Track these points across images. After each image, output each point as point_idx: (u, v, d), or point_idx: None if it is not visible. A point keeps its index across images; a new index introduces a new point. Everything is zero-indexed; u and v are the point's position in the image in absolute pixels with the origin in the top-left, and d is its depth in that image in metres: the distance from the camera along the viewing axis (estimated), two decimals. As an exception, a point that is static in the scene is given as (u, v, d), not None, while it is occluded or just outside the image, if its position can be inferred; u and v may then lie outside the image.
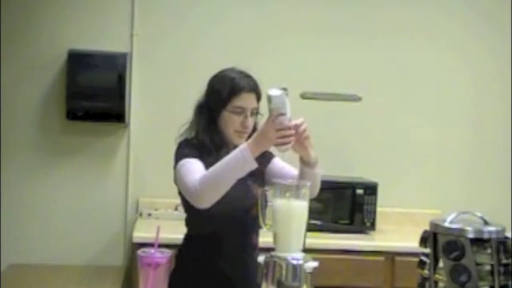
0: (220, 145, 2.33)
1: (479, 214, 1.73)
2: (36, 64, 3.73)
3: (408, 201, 3.95)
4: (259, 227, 2.38)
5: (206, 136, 2.33)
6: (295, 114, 3.92)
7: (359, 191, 3.60)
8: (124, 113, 3.66)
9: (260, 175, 2.43)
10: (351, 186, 3.63)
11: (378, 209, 3.63)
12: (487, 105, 4.03)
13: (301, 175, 2.30)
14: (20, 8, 3.71)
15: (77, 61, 3.63)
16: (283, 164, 2.50)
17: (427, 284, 1.72)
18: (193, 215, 2.35)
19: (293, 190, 1.98)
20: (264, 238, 2.19)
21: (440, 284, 1.69)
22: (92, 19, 3.77)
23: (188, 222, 2.44)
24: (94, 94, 3.63)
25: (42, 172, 3.75)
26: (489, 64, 4.01)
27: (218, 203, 2.19)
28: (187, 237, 2.44)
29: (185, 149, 2.33)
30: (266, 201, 2.15)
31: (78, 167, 3.77)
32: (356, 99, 3.94)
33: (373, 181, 3.69)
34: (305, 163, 2.28)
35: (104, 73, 3.65)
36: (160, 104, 3.78)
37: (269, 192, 2.11)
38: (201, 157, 2.29)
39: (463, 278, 1.62)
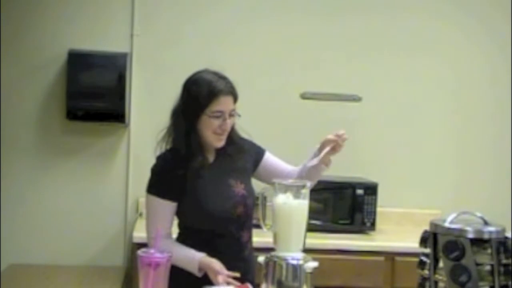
0: (195, 152, 2.36)
1: (479, 214, 1.73)
2: (36, 64, 3.73)
3: (408, 201, 3.94)
4: (251, 225, 2.45)
5: (182, 144, 2.36)
6: (295, 114, 3.94)
7: (359, 191, 3.59)
8: (124, 113, 3.66)
9: (243, 172, 2.48)
10: (351, 186, 3.63)
11: (378, 209, 3.63)
12: (487, 106, 4.02)
13: (313, 171, 2.40)
14: (20, 8, 3.71)
15: (77, 61, 3.62)
16: (276, 159, 2.58)
17: (427, 284, 1.72)
18: (183, 217, 2.41)
19: (293, 190, 1.99)
20: (264, 238, 2.18)
21: (440, 284, 1.69)
22: (92, 19, 3.76)
23: (179, 224, 2.47)
24: (94, 94, 3.63)
25: (42, 172, 3.75)
26: (488, 66, 4.01)
27: (203, 205, 2.32)
28: (179, 238, 2.47)
29: (158, 176, 2.38)
30: (266, 201, 2.15)
31: (78, 167, 3.77)
32: (356, 99, 3.94)
33: (373, 181, 3.68)
34: (326, 163, 2.43)
35: (104, 73, 3.65)
36: (160, 104, 3.75)
37: (269, 192, 2.11)
38: (174, 172, 2.34)
39: (463, 278, 1.62)
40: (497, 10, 3.98)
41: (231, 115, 2.37)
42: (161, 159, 2.42)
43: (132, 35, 3.78)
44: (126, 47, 3.76)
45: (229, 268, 2.27)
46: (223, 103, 2.33)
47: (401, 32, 3.96)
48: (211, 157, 2.44)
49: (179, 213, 2.40)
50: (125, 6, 3.77)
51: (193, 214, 2.37)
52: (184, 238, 2.43)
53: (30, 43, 3.73)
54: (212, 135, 2.35)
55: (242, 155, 2.48)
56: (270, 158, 2.57)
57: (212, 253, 2.32)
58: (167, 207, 2.34)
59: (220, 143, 2.38)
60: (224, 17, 3.85)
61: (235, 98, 2.39)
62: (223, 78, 2.39)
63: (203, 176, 2.37)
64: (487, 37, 4.00)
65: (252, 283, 2.29)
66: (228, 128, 2.38)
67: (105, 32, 3.77)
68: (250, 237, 2.47)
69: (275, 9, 3.88)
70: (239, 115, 2.42)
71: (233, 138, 2.45)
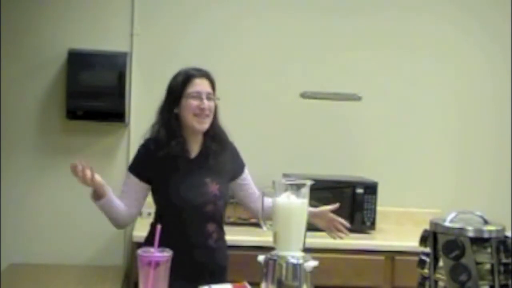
0: (174, 134, 2.52)
1: (479, 213, 1.73)
2: (36, 64, 3.73)
3: (408, 201, 3.95)
4: (220, 220, 2.62)
5: (163, 129, 2.53)
6: (295, 114, 3.93)
7: (359, 191, 3.59)
8: (124, 112, 3.66)
9: (221, 173, 2.60)
10: (351, 185, 3.62)
11: (378, 208, 3.63)
12: (487, 106, 4.03)
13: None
14: (20, 8, 3.71)
15: (77, 61, 3.62)
16: (250, 179, 2.73)
17: (427, 284, 1.72)
18: (157, 204, 2.60)
19: (293, 189, 1.99)
20: (264, 237, 2.18)
21: (440, 284, 1.69)
22: (92, 19, 3.76)
23: (156, 210, 2.63)
24: (94, 94, 3.63)
25: (42, 172, 3.75)
26: (488, 66, 4.01)
27: (174, 197, 2.50)
28: (153, 225, 2.61)
29: (136, 157, 2.61)
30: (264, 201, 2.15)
31: (78, 167, 3.76)
32: (356, 99, 3.94)
33: (373, 180, 3.68)
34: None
35: (104, 72, 3.65)
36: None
37: (269, 192, 2.11)
38: (150, 156, 2.54)
39: (463, 277, 1.62)
40: (497, 10, 3.99)
41: (209, 98, 2.53)
42: (143, 144, 2.60)
43: (132, 35, 3.78)
44: (126, 46, 3.76)
45: (195, 253, 2.51)
46: (198, 84, 2.53)
47: (401, 32, 3.96)
48: (194, 152, 2.58)
49: (155, 199, 2.60)
50: (125, 6, 3.78)
51: (164, 203, 2.54)
52: (158, 222, 2.54)
53: (30, 43, 3.73)
54: (193, 117, 2.51)
55: (224, 155, 2.61)
56: (246, 178, 2.72)
57: (180, 239, 2.44)
58: (138, 185, 2.56)
59: (203, 125, 2.53)
60: (224, 17, 3.86)
61: (212, 83, 2.58)
62: (199, 68, 2.59)
63: (182, 169, 2.52)
64: (487, 37, 4.00)
65: (218, 272, 2.53)
66: (207, 108, 2.52)
67: (105, 31, 3.77)
68: (217, 229, 2.60)
69: (275, 9, 3.88)
70: (218, 99, 2.58)
71: (216, 132, 2.59)
